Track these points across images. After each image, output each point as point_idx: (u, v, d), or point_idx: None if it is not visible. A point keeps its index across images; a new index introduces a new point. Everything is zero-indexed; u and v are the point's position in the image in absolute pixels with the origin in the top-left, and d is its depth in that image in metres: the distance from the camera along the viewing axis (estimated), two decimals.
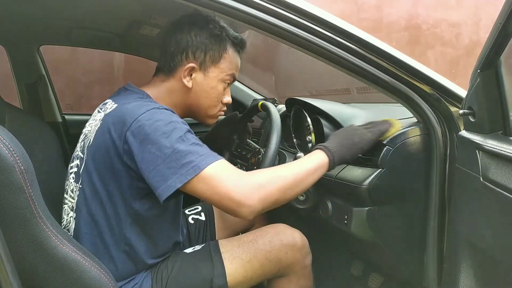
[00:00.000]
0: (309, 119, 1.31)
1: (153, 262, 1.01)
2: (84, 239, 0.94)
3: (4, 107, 1.16)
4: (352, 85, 2.33)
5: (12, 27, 1.50)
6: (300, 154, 1.21)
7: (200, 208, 1.38)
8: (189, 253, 1.06)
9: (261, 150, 1.28)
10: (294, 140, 1.46)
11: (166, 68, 1.03)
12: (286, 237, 1.05)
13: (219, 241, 1.08)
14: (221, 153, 1.43)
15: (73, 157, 1.01)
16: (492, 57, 0.78)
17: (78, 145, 1.01)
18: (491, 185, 0.76)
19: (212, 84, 1.03)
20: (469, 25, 3.38)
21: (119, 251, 0.95)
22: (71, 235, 0.95)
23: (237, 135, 1.44)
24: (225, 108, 1.12)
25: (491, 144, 0.78)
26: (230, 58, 1.05)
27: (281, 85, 2.82)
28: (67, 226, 0.98)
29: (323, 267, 1.32)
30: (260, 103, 1.32)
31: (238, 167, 1.40)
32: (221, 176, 0.81)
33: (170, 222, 1.04)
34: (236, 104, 2.23)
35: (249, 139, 1.44)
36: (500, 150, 0.74)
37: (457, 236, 0.93)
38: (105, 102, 1.01)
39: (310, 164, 0.90)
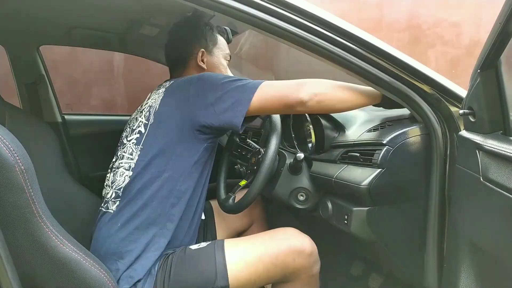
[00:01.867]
0: (309, 119, 1.31)
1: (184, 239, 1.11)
2: (134, 194, 1.04)
3: (4, 106, 1.16)
4: None
5: (12, 27, 1.50)
6: (300, 154, 1.21)
7: None
8: (194, 249, 1.05)
9: (261, 150, 1.28)
10: (294, 140, 1.46)
11: (182, 62, 1.26)
12: (294, 242, 1.04)
13: (226, 240, 1.07)
14: (223, 153, 1.44)
15: (132, 129, 1.15)
16: (492, 57, 0.78)
17: (139, 116, 1.15)
18: (491, 185, 0.76)
19: (218, 61, 1.29)
20: (469, 24, 3.37)
21: (161, 213, 1.04)
22: (120, 193, 1.07)
23: (237, 135, 1.44)
24: None
25: (491, 144, 0.78)
26: (222, 41, 1.32)
27: None
28: (120, 185, 1.07)
29: (323, 267, 1.32)
30: None
31: (238, 167, 1.40)
32: (279, 83, 1.05)
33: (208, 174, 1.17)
34: None
35: (249, 138, 1.44)
36: (500, 150, 0.74)
37: (457, 236, 0.93)
38: (159, 86, 1.21)
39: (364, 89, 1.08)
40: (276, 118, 1.20)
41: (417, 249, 1.08)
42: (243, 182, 1.26)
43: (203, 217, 1.35)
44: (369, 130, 1.16)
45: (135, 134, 1.12)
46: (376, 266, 1.46)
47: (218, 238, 1.32)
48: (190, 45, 1.25)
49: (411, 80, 0.99)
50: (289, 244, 1.03)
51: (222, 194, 1.31)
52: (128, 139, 1.14)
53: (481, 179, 0.79)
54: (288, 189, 1.24)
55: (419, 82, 0.99)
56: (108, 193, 1.11)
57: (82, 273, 0.81)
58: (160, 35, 1.62)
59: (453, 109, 1.01)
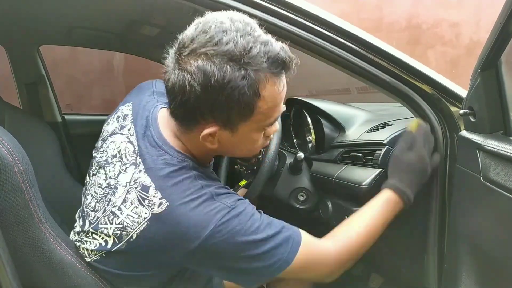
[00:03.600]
0: (309, 119, 1.31)
1: None
2: None
3: (4, 107, 1.16)
4: (352, 85, 2.32)
5: (12, 27, 1.50)
6: (300, 154, 1.21)
7: None
8: None
9: (261, 150, 1.28)
10: (294, 140, 1.46)
11: (183, 120, 0.77)
12: None
13: None
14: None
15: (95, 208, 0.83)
16: (493, 57, 0.78)
17: (106, 218, 0.79)
18: (491, 185, 0.76)
19: (244, 138, 0.79)
20: (469, 24, 3.37)
21: None
22: None
23: None
24: (267, 142, 0.96)
25: (492, 144, 0.78)
26: (269, 98, 0.72)
27: None
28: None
29: None
30: None
31: (238, 167, 1.40)
32: (308, 264, 0.81)
33: None
34: None
35: None
36: (501, 150, 0.74)
37: (458, 236, 0.93)
38: (132, 160, 0.80)
39: (388, 218, 0.91)
40: None
41: (417, 249, 1.08)
42: (243, 182, 1.26)
43: None
44: (369, 130, 1.16)
45: (98, 236, 0.81)
46: (376, 266, 1.46)
47: None
48: (195, 109, 0.71)
49: (411, 80, 0.99)
50: None
51: None
52: (87, 204, 0.86)
53: (482, 179, 0.79)
54: (288, 189, 1.24)
55: (419, 82, 0.99)
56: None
57: (78, 278, 0.80)
58: (160, 35, 1.62)
59: (453, 109, 1.01)
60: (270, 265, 0.76)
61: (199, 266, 0.78)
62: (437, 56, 3.45)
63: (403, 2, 3.48)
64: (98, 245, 0.80)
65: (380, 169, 1.02)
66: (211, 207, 0.74)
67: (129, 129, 0.85)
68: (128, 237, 0.76)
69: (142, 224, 0.74)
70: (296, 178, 1.25)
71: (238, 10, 0.86)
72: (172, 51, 0.72)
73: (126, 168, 0.80)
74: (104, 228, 0.78)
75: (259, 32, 0.71)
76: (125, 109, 0.91)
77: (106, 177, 0.83)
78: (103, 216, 0.80)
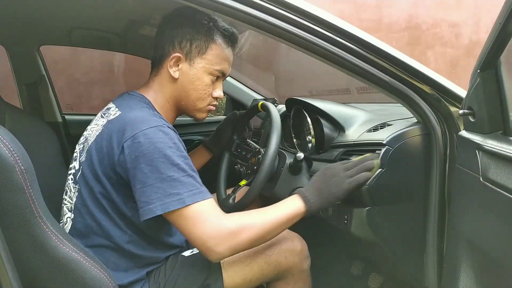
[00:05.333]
0: (309, 119, 1.31)
1: (151, 263, 1.01)
2: (78, 238, 0.93)
3: (4, 107, 1.16)
4: (352, 85, 2.33)
5: (12, 27, 1.50)
6: (300, 154, 1.21)
7: None
8: (187, 256, 1.05)
9: (261, 150, 1.28)
10: (294, 140, 1.46)
11: (156, 61, 1.04)
12: (285, 242, 1.06)
13: None
14: (223, 153, 1.44)
15: (72, 159, 1.02)
16: (492, 57, 0.78)
17: (78, 147, 1.01)
18: (491, 185, 0.76)
19: (198, 75, 1.02)
20: (469, 25, 3.38)
21: (114, 252, 0.95)
22: None
23: (237, 134, 1.44)
24: (215, 103, 1.11)
25: (491, 144, 0.78)
26: (219, 50, 1.03)
27: (281, 85, 2.83)
28: (64, 226, 0.98)
29: (323, 267, 1.32)
30: (260, 103, 1.32)
31: (238, 167, 1.40)
32: (200, 218, 0.84)
33: (163, 225, 1.02)
34: (236, 104, 2.24)
35: (249, 138, 1.44)
36: (500, 150, 0.74)
37: (457, 236, 0.93)
38: (108, 107, 1.01)
39: (288, 215, 0.91)
40: (276, 118, 1.20)
41: (417, 249, 1.08)
42: (243, 182, 1.26)
43: None
44: (369, 130, 1.16)
45: (72, 168, 0.99)
46: (376, 266, 1.46)
47: None
48: (168, 42, 1.01)
49: (411, 80, 0.99)
50: (280, 243, 1.05)
51: (222, 194, 1.31)
52: (69, 170, 1.01)
53: (481, 179, 0.79)
54: (288, 189, 1.24)
55: (419, 82, 1.00)
56: (61, 222, 1.01)
57: (82, 273, 0.81)
58: None
59: (453, 109, 1.01)
60: (169, 194, 0.82)
61: (128, 164, 0.85)
62: (436, 56, 3.46)
63: (402, 2, 3.49)
64: (72, 177, 0.97)
65: (380, 169, 1.02)
66: (149, 117, 0.91)
67: (108, 109, 1.02)
68: (87, 146, 0.94)
69: (98, 130, 0.94)
70: (296, 178, 1.25)
71: (238, 10, 0.87)
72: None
73: (98, 117, 1.01)
74: (75, 154, 1.00)
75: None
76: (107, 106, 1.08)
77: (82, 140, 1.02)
78: (76, 152, 1.01)
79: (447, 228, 1.02)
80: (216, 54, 1.02)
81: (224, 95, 2.33)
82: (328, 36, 0.93)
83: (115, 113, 0.95)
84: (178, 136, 0.93)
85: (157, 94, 1.04)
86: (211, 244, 0.83)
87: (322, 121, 1.28)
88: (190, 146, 2.17)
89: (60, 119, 2.03)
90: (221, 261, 1.00)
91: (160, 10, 1.31)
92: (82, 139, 1.01)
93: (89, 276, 0.82)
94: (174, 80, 1.02)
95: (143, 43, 1.71)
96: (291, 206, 0.92)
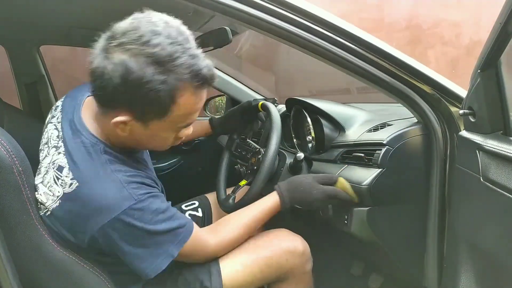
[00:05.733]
0: (309, 119, 1.31)
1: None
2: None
3: (3, 107, 1.16)
4: (352, 85, 2.33)
5: (12, 27, 1.50)
6: (300, 154, 1.21)
7: (197, 203, 1.36)
8: None
9: (261, 150, 1.28)
10: (294, 140, 1.46)
11: (98, 105, 0.81)
12: (287, 243, 1.05)
13: None
14: (223, 153, 1.43)
15: (39, 173, 0.88)
16: (493, 57, 0.78)
17: (40, 183, 0.84)
18: (491, 185, 0.76)
19: (156, 133, 0.83)
20: (469, 24, 3.37)
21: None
22: None
23: (240, 129, 1.44)
24: (184, 139, 0.96)
25: (491, 144, 0.78)
26: (184, 108, 0.78)
27: (281, 85, 2.83)
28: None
29: (323, 267, 1.31)
30: (260, 103, 1.32)
31: (238, 167, 1.40)
32: (190, 254, 0.92)
33: None
34: (236, 104, 2.23)
35: (249, 138, 1.44)
36: (500, 150, 0.74)
37: (457, 236, 0.93)
38: (60, 153, 0.84)
39: (266, 215, 1.04)
40: (277, 118, 1.20)
41: (417, 249, 1.08)
42: (243, 182, 1.26)
43: (200, 213, 1.33)
44: (369, 130, 1.16)
45: (40, 202, 0.84)
46: (376, 266, 1.46)
47: None
48: (111, 95, 0.75)
49: (411, 80, 0.99)
50: (281, 245, 1.04)
51: (222, 194, 1.31)
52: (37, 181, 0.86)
53: (481, 179, 0.79)
54: None
55: (419, 82, 0.99)
56: None
57: (80, 276, 0.81)
58: None
59: (453, 109, 1.01)
60: (157, 254, 0.84)
61: (103, 246, 0.82)
62: (437, 56, 3.45)
63: (403, 2, 3.48)
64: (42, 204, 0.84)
65: (380, 169, 1.02)
66: (119, 193, 0.78)
67: (57, 118, 0.93)
68: (45, 211, 0.82)
69: (55, 202, 0.80)
70: None
71: (238, 10, 0.87)
72: (102, 37, 0.77)
73: (49, 151, 0.87)
74: (38, 180, 0.85)
75: (191, 44, 0.75)
76: (59, 101, 0.99)
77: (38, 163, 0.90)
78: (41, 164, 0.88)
79: (447, 228, 1.02)
80: (180, 114, 0.79)
81: (224, 95, 2.33)
82: (328, 36, 0.93)
83: (71, 184, 0.79)
84: (148, 167, 0.95)
85: (109, 137, 0.86)
86: (203, 262, 0.98)
87: (322, 121, 1.28)
88: (190, 146, 2.17)
89: None
90: (221, 262, 1.00)
91: (160, 10, 1.31)
92: (42, 188, 0.83)
93: (86, 279, 0.81)
94: (120, 132, 0.81)
95: None
96: (271, 207, 1.04)
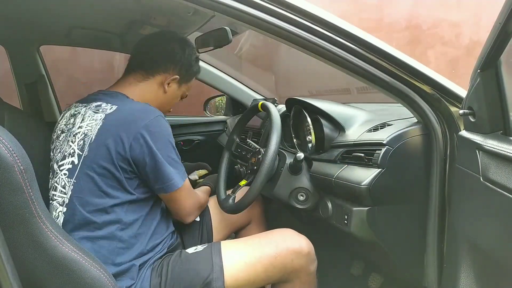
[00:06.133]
0: (309, 119, 1.31)
1: (149, 250, 1.03)
2: (72, 233, 0.95)
3: (3, 107, 1.16)
4: (352, 85, 2.33)
5: (12, 27, 1.50)
6: (300, 154, 1.21)
7: None
8: (191, 253, 1.06)
9: (261, 150, 1.28)
10: (294, 140, 1.46)
11: (149, 69, 1.13)
12: (292, 243, 1.05)
13: (222, 243, 1.08)
14: (223, 153, 1.44)
15: (64, 155, 1.02)
16: (492, 57, 0.78)
17: (73, 139, 1.01)
18: (491, 185, 0.76)
19: (178, 95, 1.21)
20: (469, 25, 3.37)
21: (112, 241, 0.96)
22: None
23: (237, 135, 1.44)
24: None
25: (491, 144, 0.78)
26: (193, 81, 1.25)
27: (281, 85, 2.83)
28: (56, 220, 0.97)
29: (323, 267, 1.31)
30: (260, 103, 1.32)
31: (238, 167, 1.40)
32: (187, 195, 1.10)
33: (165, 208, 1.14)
34: (236, 104, 2.24)
35: (249, 138, 1.44)
36: (500, 150, 0.74)
37: (457, 236, 0.93)
38: (98, 104, 1.04)
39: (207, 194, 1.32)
40: (276, 118, 1.20)
41: (417, 249, 1.08)
42: (243, 182, 1.26)
43: (197, 218, 1.34)
44: (369, 130, 1.16)
45: (67, 164, 1.00)
46: (376, 266, 1.46)
47: (214, 237, 1.31)
48: (170, 62, 1.15)
49: (411, 80, 0.99)
50: (287, 245, 1.04)
51: (222, 194, 1.31)
52: (60, 167, 1.01)
53: (481, 179, 0.79)
54: (288, 189, 1.24)
55: (419, 82, 0.99)
56: None
57: (82, 273, 0.81)
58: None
59: (453, 109, 1.01)
60: (178, 172, 1.03)
61: (141, 151, 0.97)
62: (437, 56, 3.45)
63: (403, 2, 3.49)
64: (67, 172, 0.99)
65: (379, 169, 1.02)
66: (151, 108, 1.03)
67: (98, 105, 1.07)
68: (90, 140, 0.97)
69: (98, 124, 0.98)
70: (296, 178, 1.25)
71: (238, 10, 0.87)
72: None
73: (89, 113, 1.04)
74: (69, 150, 1.01)
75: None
76: (67, 112, 1.14)
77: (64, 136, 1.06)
78: (66, 145, 1.02)
79: (447, 228, 1.02)
80: (192, 84, 1.25)
81: (224, 95, 2.33)
82: (328, 36, 0.93)
83: (111, 107, 1.01)
84: None
85: (138, 96, 1.10)
86: (191, 215, 1.14)
87: (322, 121, 1.28)
88: (190, 146, 2.17)
89: None
90: (224, 259, 1.00)
91: (160, 10, 1.31)
92: (79, 134, 1.00)
93: (88, 276, 0.82)
94: (163, 92, 1.16)
95: None
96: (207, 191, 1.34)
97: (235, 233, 1.45)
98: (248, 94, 2.18)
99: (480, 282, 0.85)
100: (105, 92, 1.11)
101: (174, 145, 1.03)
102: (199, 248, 1.08)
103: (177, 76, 1.15)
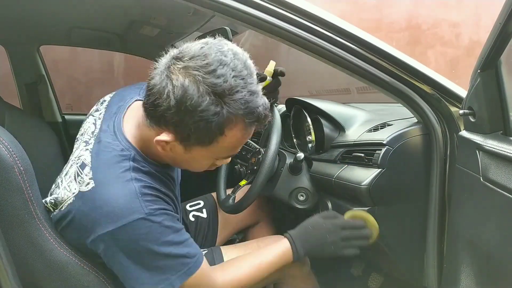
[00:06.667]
0: (309, 119, 1.31)
1: None
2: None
3: (3, 107, 1.16)
4: (352, 85, 2.33)
5: (12, 27, 1.50)
6: (300, 154, 1.21)
7: (202, 203, 1.35)
8: None
9: (261, 150, 1.28)
10: (294, 140, 1.46)
11: (146, 116, 0.78)
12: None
13: (222, 248, 1.07)
14: None
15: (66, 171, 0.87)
16: (492, 57, 0.78)
17: (65, 173, 0.85)
18: (491, 185, 0.76)
19: (196, 159, 0.82)
20: (469, 25, 3.37)
21: None
22: None
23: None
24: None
25: (491, 144, 0.78)
26: (229, 141, 0.76)
27: (281, 85, 2.82)
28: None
29: (323, 267, 1.31)
30: None
31: (238, 167, 1.40)
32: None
33: None
34: None
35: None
36: (500, 150, 0.74)
37: (457, 236, 0.93)
38: (88, 140, 0.86)
39: (277, 264, 0.94)
40: (277, 118, 1.20)
41: (417, 249, 1.08)
42: (243, 182, 1.26)
43: (204, 215, 1.33)
44: (369, 130, 1.16)
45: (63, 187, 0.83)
46: (376, 266, 1.46)
47: (219, 236, 1.31)
48: (159, 114, 0.73)
49: (411, 80, 0.99)
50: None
51: (222, 194, 1.31)
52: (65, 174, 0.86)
53: (481, 179, 0.79)
54: (288, 189, 1.24)
55: (419, 82, 0.99)
56: None
57: (80, 277, 0.80)
58: (160, 35, 1.62)
59: (453, 109, 1.01)
60: (158, 281, 0.77)
61: (102, 254, 0.78)
62: (437, 56, 3.45)
63: (403, 2, 3.49)
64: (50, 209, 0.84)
65: (379, 169, 1.02)
66: (130, 204, 0.74)
67: (100, 113, 0.92)
68: (60, 206, 0.80)
69: (70, 198, 0.79)
70: (296, 178, 1.25)
71: (238, 10, 0.87)
72: (169, 55, 0.74)
73: (79, 145, 0.87)
74: (48, 199, 0.84)
75: (253, 79, 0.74)
76: (107, 96, 0.98)
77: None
78: (54, 187, 0.87)
79: (447, 228, 1.02)
80: (225, 146, 0.77)
81: None
82: (328, 36, 0.93)
83: (88, 182, 0.78)
84: (168, 181, 0.88)
85: (146, 148, 0.83)
86: None
87: (322, 121, 1.28)
88: None
89: (60, 119, 2.03)
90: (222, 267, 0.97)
91: (160, 10, 1.31)
92: (67, 177, 0.84)
93: (86, 280, 0.81)
94: (165, 154, 0.81)
95: (143, 43, 1.71)
96: (282, 256, 0.94)
97: (244, 232, 1.44)
98: None
99: (480, 282, 0.85)
100: (116, 112, 0.89)
101: (160, 250, 0.76)
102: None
103: (167, 139, 0.75)
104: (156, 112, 0.73)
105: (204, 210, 1.33)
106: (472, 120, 0.87)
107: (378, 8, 3.44)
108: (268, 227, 1.41)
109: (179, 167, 0.94)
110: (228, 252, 1.05)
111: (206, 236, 1.29)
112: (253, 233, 1.40)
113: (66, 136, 1.99)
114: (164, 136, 0.75)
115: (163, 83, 0.71)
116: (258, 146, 1.33)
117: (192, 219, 1.30)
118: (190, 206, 1.34)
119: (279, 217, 1.49)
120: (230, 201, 1.22)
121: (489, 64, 0.80)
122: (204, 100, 0.69)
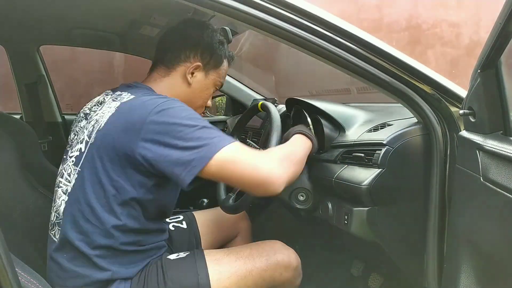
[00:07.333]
0: (309, 119, 1.31)
1: (134, 261, 0.97)
2: (70, 223, 0.92)
3: None
4: (352, 85, 2.33)
5: (12, 27, 1.50)
6: None
7: (181, 217, 1.34)
8: (173, 259, 1.02)
9: (261, 150, 1.28)
10: None
11: (169, 62, 1.06)
12: (282, 257, 1.04)
13: (206, 252, 1.05)
14: (231, 135, 1.43)
15: (75, 142, 0.99)
16: (493, 57, 0.78)
17: (86, 130, 0.96)
18: (491, 186, 0.76)
19: (208, 85, 1.10)
20: (469, 25, 3.38)
21: (104, 237, 0.92)
22: (60, 219, 0.95)
23: (237, 135, 1.44)
24: (205, 111, 1.21)
25: (492, 144, 0.78)
26: (226, 66, 1.14)
27: (281, 85, 2.82)
28: (58, 209, 0.96)
29: (323, 267, 1.32)
30: (260, 103, 1.32)
31: None
32: (241, 156, 0.85)
33: (164, 206, 1.04)
34: (236, 104, 2.24)
35: (249, 138, 1.44)
36: (500, 150, 0.74)
37: (457, 236, 0.93)
38: (119, 93, 0.99)
39: (304, 148, 1.06)
40: (276, 118, 1.20)
41: (417, 249, 1.08)
42: None
43: (184, 226, 1.30)
44: (369, 130, 1.16)
45: (76, 151, 0.96)
46: (376, 266, 1.46)
47: (203, 246, 1.28)
48: (188, 49, 1.04)
49: (411, 80, 0.99)
50: (277, 258, 1.03)
51: (222, 194, 1.31)
52: (70, 154, 0.98)
53: (481, 179, 0.79)
54: (288, 189, 1.24)
55: (419, 82, 0.99)
56: (51, 214, 0.99)
57: None
58: (160, 35, 1.61)
59: (453, 109, 1.01)
60: (203, 145, 0.82)
61: (146, 142, 0.85)
62: (437, 56, 3.46)
63: (403, 2, 3.49)
64: (74, 159, 0.95)
65: (380, 169, 1.02)
66: (164, 97, 0.92)
67: (119, 94, 1.00)
68: (98, 126, 0.92)
69: (111, 112, 0.92)
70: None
71: (238, 10, 0.87)
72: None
73: (108, 101, 0.99)
74: (82, 137, 0.95)
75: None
76: (101, 96, 1.07)
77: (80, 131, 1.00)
78: (81, 132, 0.98)
79: (448, 228, 1.02)
80: (225, 69, 1.13)
81: (224, 95, 2.32)
82: (328, 36, 0.93)
83: (129, 97, 0.94)
84: None
85: (165, 92, 1.00)
86: (268, 172, 0.84)
87: (322, 121, 1.28)
88: None
89: (59, 119, 2.03)
90: (217, 273, 0.97)
91: (160, 10, 1.31)
92: (92, 122, 0.95)
93: None
94: (187, 85, 1.07)
95: (143, 43, 1.71)
96: (303, 143, 1.08)
97: (221, 247, 1.40)
98: (248, 94, 2.18)
99: (480, 282, 0.85)
100: (136, 84, 1.04)
101: (198, 122, 0.86)
102: (182, 254, 1.04)
103: (199, 64, 1.05)
104: (176, 49, 1.05)
105: (184, 222, 1.31)
106: (472, 120, 0.87)
107: (378, 8, 3.44)
108: (247, 240, 1.38)
109: (192, 105, 1.04)
110: (213, 257, 1.02)
111: (189, 243, 1.26)
112: (233, 246, 1.36)
113: (66, 136, 1.99)
114: (194, 64, 1.05)
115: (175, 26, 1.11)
116: (258, 146, 1.33)
117: (172, 228, 1.28)
118: (170, 219, 1.31)
119: (257, 230, 1.48)
120: (230, 201, 1.22)
121: (489, 64, 0.80)
122: (216, 31, 1.10)
